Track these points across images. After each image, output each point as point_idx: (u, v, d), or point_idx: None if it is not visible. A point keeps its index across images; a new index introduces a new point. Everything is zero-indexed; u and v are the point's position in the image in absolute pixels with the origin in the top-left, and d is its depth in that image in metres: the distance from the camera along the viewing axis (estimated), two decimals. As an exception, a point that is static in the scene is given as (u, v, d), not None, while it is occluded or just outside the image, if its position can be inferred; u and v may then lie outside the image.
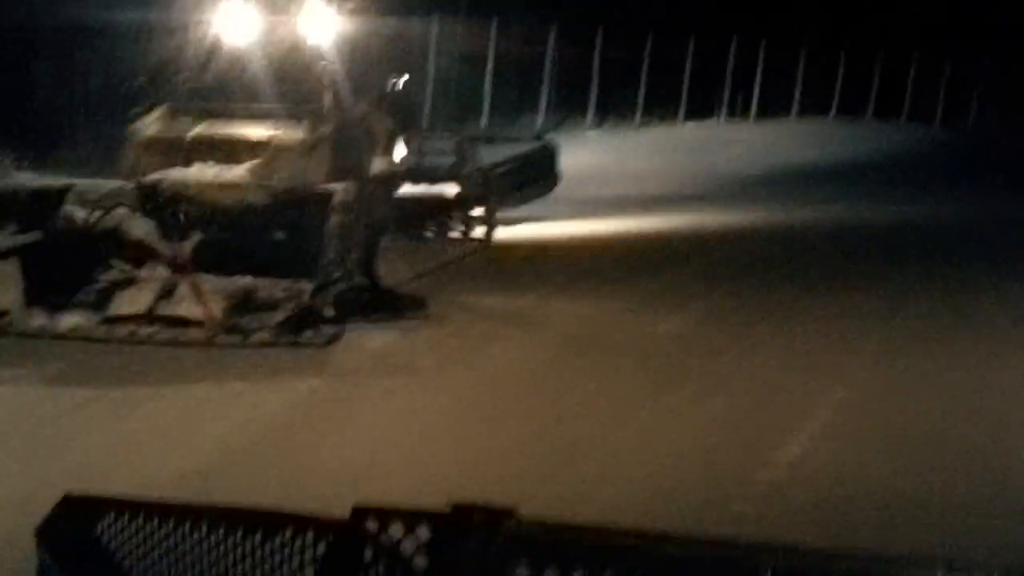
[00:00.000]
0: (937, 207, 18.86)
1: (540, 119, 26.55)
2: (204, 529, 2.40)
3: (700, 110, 30.60)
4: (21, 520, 4.84)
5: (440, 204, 15.03)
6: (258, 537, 2.37)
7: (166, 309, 9.40)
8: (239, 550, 2.35)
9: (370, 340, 9.46)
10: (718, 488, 6.15)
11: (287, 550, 2.30)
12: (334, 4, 13.04)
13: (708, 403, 7.89)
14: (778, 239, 15.78)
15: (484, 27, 25.33)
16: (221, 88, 12.43)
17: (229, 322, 9.30)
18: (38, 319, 9.44)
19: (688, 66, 30.67)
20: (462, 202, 15.08)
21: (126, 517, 2.44)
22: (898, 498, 6.03)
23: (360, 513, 2.32)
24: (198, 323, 9.29)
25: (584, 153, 22.18)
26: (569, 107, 28.11)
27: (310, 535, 2.32)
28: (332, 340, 9.30)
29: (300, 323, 9.28)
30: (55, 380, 8.41)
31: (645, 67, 29.73)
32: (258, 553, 2.36)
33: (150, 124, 12.04)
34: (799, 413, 7.58)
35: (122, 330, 9.33)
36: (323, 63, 12.58)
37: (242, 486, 6.31)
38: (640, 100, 29.65)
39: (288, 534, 2.33)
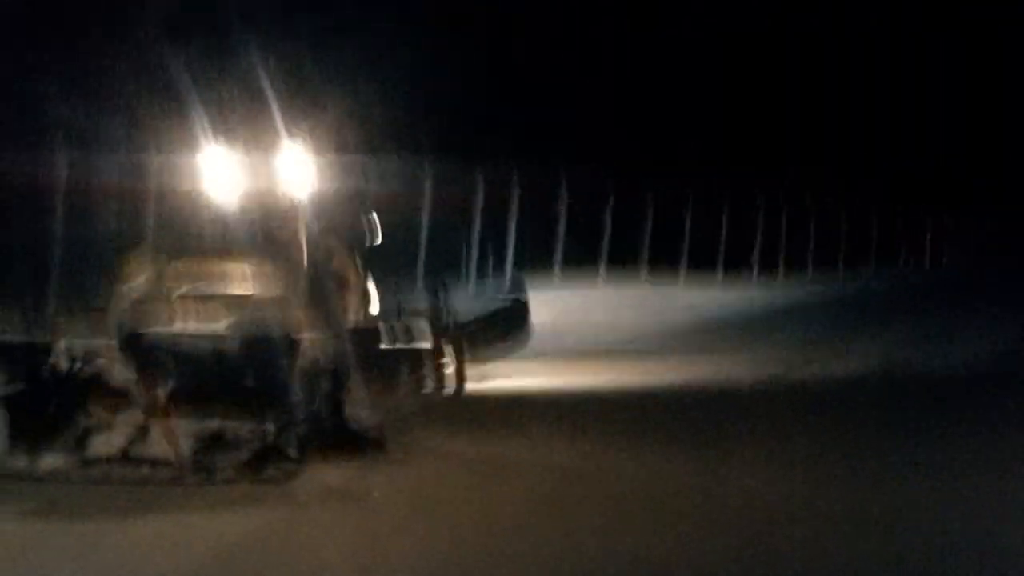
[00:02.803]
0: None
1: (507, 275, 26.79)
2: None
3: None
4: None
5: (414, 357, 15.06)
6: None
7: (140, 451, 9.57)
8: None
9: (330, 477, 9.68)
10: None
11: None
12: (312, 162, 13.23)
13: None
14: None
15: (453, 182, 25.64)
16: (205, 246, 12.61)
17: (197, 461, 9.40)
18: (20, 461, 9.55)
19: (649, 224, 31.12)
20: (435, 356, 15.12)
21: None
22: None
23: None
24: (169, 463, 9.37)
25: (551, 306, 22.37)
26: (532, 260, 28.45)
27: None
28: (292, 477, 9.38)
29: (263, 461, 9.47)
30: (28, 515, 8.61)
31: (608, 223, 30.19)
32: None
33: (136, 284, 12.23)
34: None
35: (98, 471, 9.47)
36: (300, 221, 12.77)
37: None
38: (603, 256, 30.07)
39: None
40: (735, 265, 33.03)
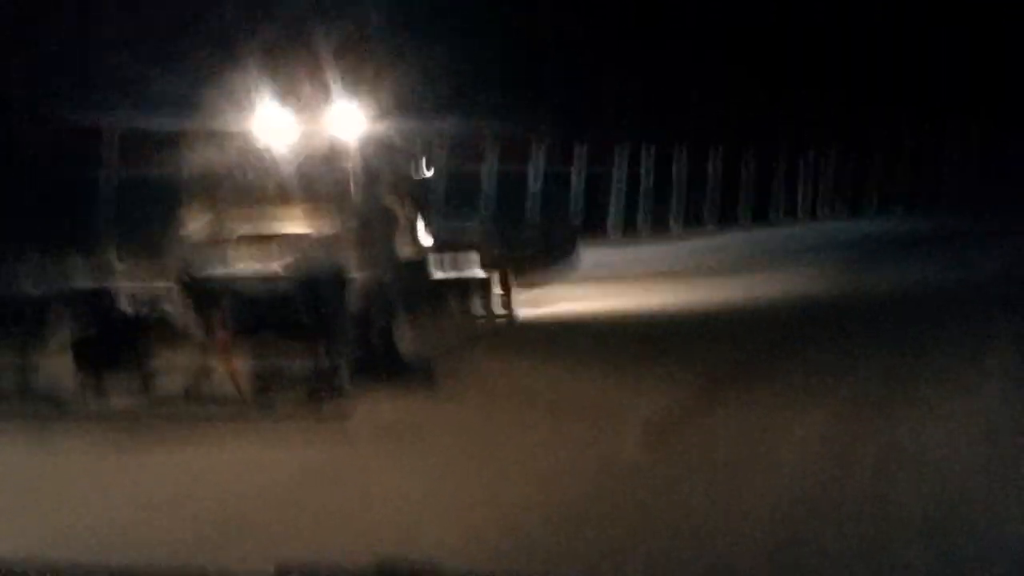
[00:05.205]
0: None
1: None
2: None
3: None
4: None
5: (465, 286, 15.09)
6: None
7: (203, 389, 9.63)
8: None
9: (385, 413, 9.77)
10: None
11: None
12: (360, 107, 13.23)
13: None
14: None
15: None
16: (261, 188, 12.64)
17: (258, 398, 9.62)
18: (91, 401, 9.71)
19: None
20: (484, 285, 15.14)
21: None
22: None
23: (283, 572, 2.23)
24: (231, 400, 9.49)
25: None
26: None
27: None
28: (349, 413, 9.51)
29: (321, 397, 9.61)
30: (100, 449, 8.88)
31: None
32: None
33: (195, 229, 12.28)
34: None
35: (164, 409, 9.64)
36: (351, 161, 12.76)
37: (258, 527, 6.67)
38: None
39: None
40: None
